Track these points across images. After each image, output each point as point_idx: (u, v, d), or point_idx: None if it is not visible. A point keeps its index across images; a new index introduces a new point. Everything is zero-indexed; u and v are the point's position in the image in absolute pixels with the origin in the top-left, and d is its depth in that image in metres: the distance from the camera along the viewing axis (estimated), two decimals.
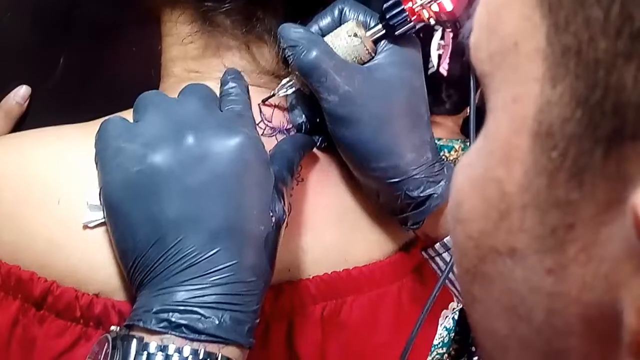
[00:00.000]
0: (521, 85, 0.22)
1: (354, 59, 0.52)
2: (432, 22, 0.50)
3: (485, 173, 0.24)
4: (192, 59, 0.54)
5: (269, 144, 0.50)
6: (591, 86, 0.19)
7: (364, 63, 0.52)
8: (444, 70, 1.53)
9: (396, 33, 0.51)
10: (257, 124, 0.52)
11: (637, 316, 0.18)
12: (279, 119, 0.56)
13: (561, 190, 0.21)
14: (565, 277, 0.21)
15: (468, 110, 1.74)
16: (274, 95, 0.54)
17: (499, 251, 0.24)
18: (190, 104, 0.47)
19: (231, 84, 0.50)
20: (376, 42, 0.52)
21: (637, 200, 0.18)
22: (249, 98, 0.50)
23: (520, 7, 0.22)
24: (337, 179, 0.58)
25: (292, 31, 0.51)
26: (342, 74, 0.50)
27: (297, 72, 0.52)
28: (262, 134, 0.53)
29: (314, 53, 0.49)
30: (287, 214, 0.47)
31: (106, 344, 0.41)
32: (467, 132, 1.74)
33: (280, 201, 0.46)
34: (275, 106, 0.56)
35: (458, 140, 1.69)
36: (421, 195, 0.52)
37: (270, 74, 0.55)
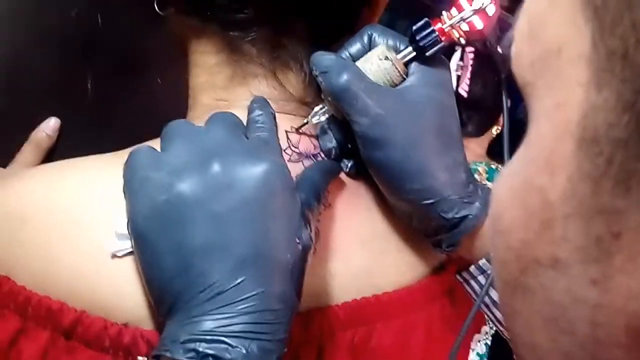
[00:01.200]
0: (564, 91, 0.21)
1: (386, 82, 0.52)
2: (463, 41, 0.50)
3: (527, 182, 0.24)
4: (220, 88, 0.55)
5: (296, 170, 0.50)
6: (638, 91, 0.19)
7: (396, 86, 0.52)
8: (463, 91, 1.52)
9: (427, 54, 0.51)
10: (284, 150, 0.52)
11: None
12: (306, 145, 0.56)
13: (606, 198, 0.20)
14: (610, 288, 0.21)
15: (493, 132, 1.74)
16: (307, 123, 0.54)
17: (540, 262, 0.23)
18: (216, 132, 0.47)
19: (258, 112, 0.50)
20: (407, 64, 0.52)
21: None
22: (276, 125, 0.50)
23: (563, 12, 0.22)
24: (365, 202, 0.57)
25: (323, 58, 0.51)
26: (374, 96, 0.50)
27: (329, 98, 0.52)
28: (288, 160, 0.53)
29: (344, 77, 0.50)
30: (313, 241, 0.47)
31: None
32: (493, 154, 1.73)
33: (306, 228, 0.46)
34: (302, 132, 0.56)
35: (482, 163, 1.68)
36: (455, 216, 0.52)
37: (296, 100, 0.55)
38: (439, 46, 0.50)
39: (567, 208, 0.21)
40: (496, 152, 1.74)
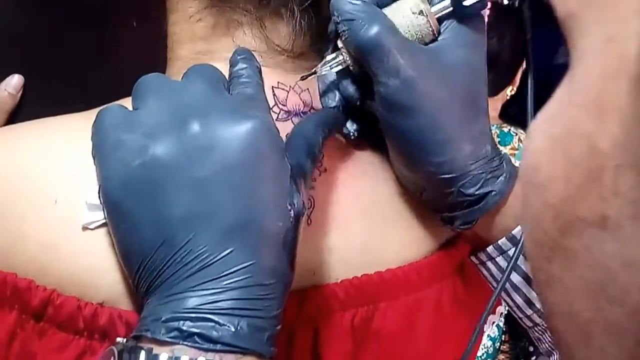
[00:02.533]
0: (618, 22, 0.21)
1: (416, 40, 0.51)
2: (506, 1, 0.49)
3: (570, 128, 0.23)
4: (201, 39, 0.54)
5: (285, 129, 0.50)
6: None
7: (426, 44, 0.51)
8: None
9: (467, 12, 0.50)
10: (271, 108, 0.51)
11: None
12: (294, 102, 0.55)
13: None
14: None
15: (508, 93, 1.73)
16: (315, 72, 0.53)
17: (586, 220, 0.23)
18: (195, 88, 0.46)
19: (241, 65, 0.50)
20: (440, 20, 0.51)
21: None
22: (262, 79, 0.50)
23: None
24: (366, 168, 0.57)
25: (348, 2, 0.50)
26: (406, 55, 0.49)
27: (351, 50, 0.51)
28: (276, 119, 0.53)
29: (375, 28, 0.48)
30: (306, 208, 0.47)
31: (112, 358, 0.41)
32: (507, 116, 1.73)
33: (299, 193, 0.46)
34: (290, 88, 0.55)
35: (494, 125, 1.67)
36: (477, 193, 0.52)
37: (285, 53, 0.55)
38: (480, 3, 0.49)
39: (619, 157, 0.21)
40: (510, 115, 1.73)
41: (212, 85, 0.47)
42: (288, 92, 0.55)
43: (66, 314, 0.46)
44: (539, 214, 0.25)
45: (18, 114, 0.71)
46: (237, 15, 0.53)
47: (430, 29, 0.50)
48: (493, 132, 1.62)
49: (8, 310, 0.46)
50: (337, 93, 0.55)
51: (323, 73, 0.53)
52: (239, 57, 0.50)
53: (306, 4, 0.53)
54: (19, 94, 0.70)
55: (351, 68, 0.52)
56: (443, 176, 0.51)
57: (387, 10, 0.51)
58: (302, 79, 0.53)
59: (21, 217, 0.47)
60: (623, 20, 0.21)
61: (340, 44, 0.52)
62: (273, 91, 0.54)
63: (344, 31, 0.50)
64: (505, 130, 1.67)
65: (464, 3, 0.50)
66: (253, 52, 0.52)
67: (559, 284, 0.25)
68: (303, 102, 0.56)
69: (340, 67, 0.52)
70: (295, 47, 0.54)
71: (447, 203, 0.53)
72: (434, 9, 0.51)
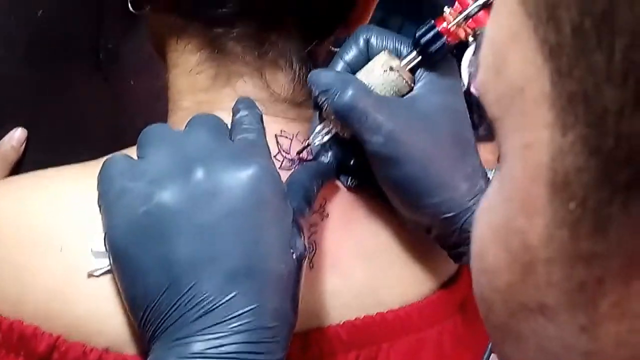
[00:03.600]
0: (532, 132, 0.22)
1: (393, 94, 0.53)
2: (470, 39, 0.51)
3: (507, 222, 0.24)
4: (202, 90, 0.56)
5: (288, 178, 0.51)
6: (602, 134, 0.19)
7: (403, 95, 0.53)
8: (475, 89, 1.53)
9: (435, 59, 0.52)
10: (274, 157, 0.53)
11: None
12: (297, 149, 0.56)
13: (585, 243, 0.21)
14: (599, 335, 0.21)
15: None
16: (309, 145, 0.55)
17: (528, 307, 0.24)
18: (198, 136, 0.48)
19: (243, 112, 0.51)
20: (413, 70, 0.53)
21: None
22: (263, 127, 0.51)
23: (523, 50, 0.22)
24: (365, 212, 0.58)
25: (322, 75, 0.52)
26: (383, 111, 0.51)
27: (332, 117, 0.53)
28: (279, 167, 0.54)
29: (349, 93, 0.51)
30: (307, 251, 0.48)
31: None
32: None
33: (300, 236, 0.47)
34: (293, 137, 0.57)
35: (493, 170, 1.68)
36: None
37: (286, 102, 0.56)
38: (446, 48, 0.51)
39: (548, 252, 0.22)
40: None
41: (215, 134, 0.48)
42: (291, 141, 0.56)
43: (72, 359, 0.47)
44: (489, 298, 0.26)
45: (21, 165, 0.72)
46: (237, 67, 0.55)
47: (404, 81, 0.52)
48: (492, 177, 1.65)
49: (14, 357, 0.47)
50: (329, 154, 0.56)
51: (316, 145, 0.55)
52: (240, 106, 0.52)
53: (304, 54, 0.55)
54: (22, 147, 0.72)
55: (341, 134, 0.54)
56: (444, 216, 0.52)
57: (360, 74, 0.53)
58: (298, 153, 0.55)
59: (27, 265, 0.48)
60: (536, 130, 0.22)
61: (325, 115, 0.54)
62: (276, 139, 0.55)
63: (322, 102, 0.52)
64: None
65: (428, 50, 0.51)
66: (255, 101, 0.53)
67: None
68: (307, 151, 0.57)
69: (330, 135, 0.54)
70: (295, 96, 0.56)
71: (453, 240, 0.54)
72: (403, 62, 0.52)
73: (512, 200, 0.24)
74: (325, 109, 0.53)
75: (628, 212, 0.19)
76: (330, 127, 0.54)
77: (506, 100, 0.24)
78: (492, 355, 0.64)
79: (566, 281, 0.22)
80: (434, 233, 0.55)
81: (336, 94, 0.51)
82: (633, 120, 0.18)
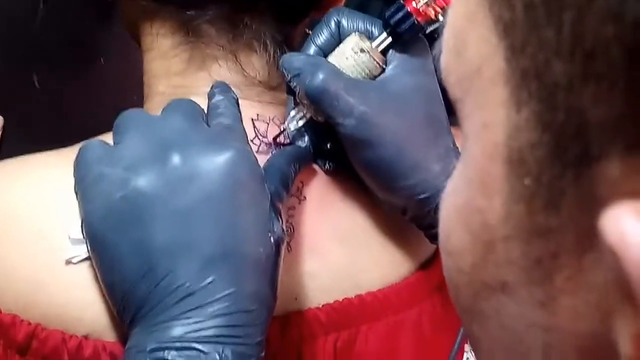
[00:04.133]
0: (489, 111, 0.23)
1: (365, 76, 0.53)
2: (441, 18, 0.51)
3: (468, 202, 0.25)
4: (177, 74, 0.56)
5: (265, 161, 0.51)
6: (553, 109, 0.20)
7: (375, 77, 0.54)
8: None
9: (405, 38, 0.52)
10: (251, 141, 0.53)
11: (633, 345, 0.19)
12: (274, 133, 0.57)
13: (540, 218, 0.21)
14: (556, 309, 0.22)
15: None
16: (284, 131, 0.56)
17: (490, 286, 0.24)
18: (174, 121, 0.48)
19: (218, 97, 0.51)
20: (384, 52, 0.53)
21: (605, 223, 0.19)
22: (240, 111, 0.51)
23: (479, 30, 0.23)
24: (342, 195, 0.58)
25: (293, 59, 0.53)
26: (356, 93, 0.51)
27: (305, 101, 0.53)
28: (257, 152, 0.54)
29: (320, 76, 0.51)
30: (285, 234, 0.48)
31: None
32: None
33: (278, 220, 0.47)
34: (270, 120, 0.57)
35: None
36: None
37: (261, 85, 0.56)
38: (415, 28, 0.51)
39: (506, 230, 0.23)
40: None
41: (191, 118, 0.48)
42: (268, 125, 0.57)
43: (51, 347, 0.47)
44: (455, 279, 0.27)
45: None
46: (211, 50, 0.55)
47: (375, 63, 0.53)
48: None
49: None
50: (306, 138, 0.57)
51: (292, 130, 0.55)
52: (215, 90, 0.52)
53: (278, 37, 0.55)
54: None
55: (315, 118, 0.54)
56: (418, 197, 0.53)
57: (331, 57, 0.53)
58: (274, 139, 0.56)
59: (6, 254, 0.47)
60: (492, 109, 0.22)
61: (298, 99, 0.54)
62: (253, 123, 0.56)
63: (295, 86, 0.52)
64: None
65: (398, 30, 0.52)
66: (230, 85, 0.53)
67: (481, 343, 0.27)
68: (283, 136, 0.57)
69: (305, 120, 0.55)
70: (271, 79, 0.56)
71: (428, 221, 0.55)
72: (374, 43, 0.53)
73: (472, 181, 0.24)
74: (298, 93, 0.53)
75: (578, 187, 0.20)
76: (305, 111, 0.55)
77: (466, 81, 0.24)
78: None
79: (524, 258, 0.22)
80: (409, 214, 0.56)
81: (307, 78, 0.51)
82: (582, 93, 0.19)
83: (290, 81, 0.53)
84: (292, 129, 0.55)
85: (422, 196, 0.53)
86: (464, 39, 0.24)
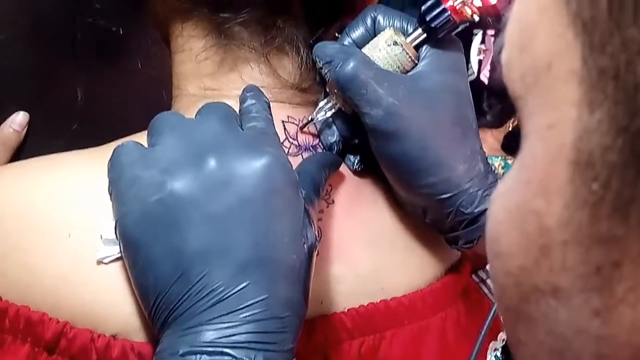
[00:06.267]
0: (557, 110, 0.22)
1: (397, 69, 0.53)
2: (476, 18, 0.51)
3: (523, 204, 0.24)
4: (208, 76, 0.56)
5: (295, 164, 0.51)
6: (631, 113, 0.19)
7: (407, 72, 0.54)
8: (484, 77, 1.53)
9: (439, 36, 0.53)
10: (282, 143, 0.53)
11: None
12: (305, 136, 0.57)
13: (604, 225, 0.21)
14: (613, 319, 0.21)
15: (510, 125, 1.76)
16: (312, 120, 0.56)
17: (541, 290, 0.24)
18: (209, 125, 0.48)
19: (250, 101, 0.51)
20: (417, 47, 0.54)
21: None
22: (271, 115, 0.51)
23: (552, 23, 0.22)
24: (370, 198, 0.59)
25: (327, 47, 0.53)
26: (385, 84, 0.51)
27: (335, 90, 0.53)
28: (287, 153, 0.54)
29: (351, 64, 0.51)
30: (318, 241, 0.48)
31: None
32: (508, 148, 1.75)
33: (311, 226, 0.47)
34: (299, 122, 0.57)
35: (498, 157, 1.69)
36: (475, 210, 0.53)
37: (292, 87, 0.57)
38: (451, 26, 0.52)
39: (565, 235, 0.22)
40: (512, 147, 1.76)
41: (226, 122, 0.48)
42: (298, 126, 0.57)
43: (79, 346, 0.47)
44: (503, 281, 0.26)
45: (22, 151, 0.72)
46: (243, 52, 0.55)
47: (408, 57, 0.53)
48: (498, 163, 1.65)
49: (21, 343, 0.47)
50: (334, 129, 0.57)
51: (319, 119, 0.56)
52: (247, 94, 0.52)
53: (310, 40, 0.56)
54: (24, 131, 0.72)
55: (343, 109, 0.55)
56: (440, 197, 0.53)
57: (365, 49, 0.54)
58: (301, 128, 0.56)
59: (35, 251, 0.48)
60: (561, 109, 0.22)
61: (328, 88, 0.55)
62: (283, 125, 0.56)
63: (325, 73, 0.53)
64: (510, 162, 1.69)
65: (432, 25, 0.52)
66: (261, 88, 0.53)
67: (524, 347, 0.26)
68: (312, 135, 0.57)
69: (333, 111, 0.55)
70: (302, 82, 0.57)
71: (449, 223, 0.55)
72: (409, 38, 0.53)
73: (530, 182, 0.24)
74: (329, 80, 0.53)
75: None
76: (334, 101, 0.55)
77: (531, 77, 0.24)
78: (492, 343, 0.65)
79: (582, 264, 0.22)
80: (429, 216, 0.56)
81: (338, 65, 0.52)
82: None
83: (321, 68, 0.53)
84: (320, 118, 0.56)
85: (444, 196, 0.53)
86: (532, 33, 0.23)
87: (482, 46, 1.59)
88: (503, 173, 1.62)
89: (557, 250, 0.23)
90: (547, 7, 0.23)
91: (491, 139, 1.74)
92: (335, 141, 0.57)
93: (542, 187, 0.23)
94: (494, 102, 1.69)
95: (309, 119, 0.56)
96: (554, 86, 0.22)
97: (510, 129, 1.75)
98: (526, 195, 0.24)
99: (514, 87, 0.25)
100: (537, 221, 0.23)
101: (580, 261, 0.22)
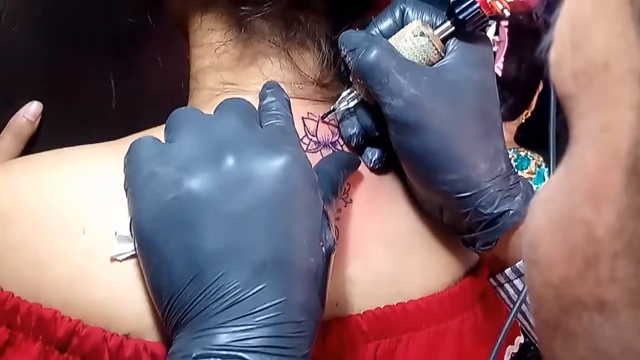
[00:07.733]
0: (612, 113, 0.21)
1: (422, 61, 0.52)
2: (507, 13, 0.50)
3: (570, 212, 0.23)
4: (226, 70, 0.55)
5: (314, 160, 0.50)
6: None
7: (433, 64, 0.53)
8: (498, 69, 1.53)
9: (468, 29, 0.52)
10: (301, 139, 0.52)
11: None
12: (324, 132, 0.56)
13: None
14: None
15: (523, 117, 1.76)
16: (334, 110, 0.55)
17: (584, 303, 0.23)
18: (228, 121, 0.47)
19: (270, 98, 0.51)
20: (445, 40, 0.53)
21: None
22: (291, 112, 0.51)
23: (610, 21, 0.21)
24: (389, 197, 0.58)
25: (352, 35, 0.53)
26: (407, 74, 0.50)
27: (358, 78, 0.52)
28: (306, 150, 0.53)
29: (374, 52, 0.50)
30: (336, 244, 0.47)
31: None
32: (519, 140, 1.74)
33: (329, 228, 0.46)
34: (319, 118, 0.56)
35: (511, 150, 1.69)
36: (495, 211, 0.52)
37: (313, 83, 0.56)
38: (480, 20, 0.51)
39: (616, 246, 0.21)
40: (524, 138, 1.75)
41: (245, 119, 0.48)
42: (318, 123, 0.56)
43: (91, 345, 0.46)
44: (541, 292, 0.25)
45: (35, 142, 0.72)
46: (264, 47, 0.54)
47: (434, 49, 0.52)
48: (510, 156, 1.65)
49: (32, 341, 0.46)
50: (355, 120, 0.56)
51: (342, 109, 0.55)
52: (268, 91, 0.51)
53: (332, 36, 0.55)
54: (37, 121, 0.71)
55: (366, 99, 0.54)
56: (459, 195, 0.52)
57: (392, 39, 0.53)
58: (322, 117, 0.55)
59: (48, 248, 0.47)
60: (617, 111, 0.21)
61: (351, 78, 0.54)
62: (303, 122, 0.55)
63: (349, 61, 0.52)
64: (522, 154, 1.69)
65: (460, 17, 0.51)
66: (281, 83, 0.53)
67: None
68: (332, 132, 0.57)
69: (355, 101, 0.54)
70: (323, 77, 0.56)
71: (466, 224, 0.54)
72: (437, 30, 0.52)
73: (578, 188, 0.23)
74: (351, 69, 0.52)
75: None
76: (357, 92, 0.54)
77: (584, 76, 0.23)
78: (508, 347, 0.65)
79: (632, 278, 0.21)
80: (446, 216, 0.55)
81: (361, 52, 0.51)
82: None
83: (345, 56, 0.53)
84: (342, 108, 0.55)
85: (462, 194, 0.52)
86: (587, 30, 0.23)
87: (496, 37, 1.58)
88: (515, 166, 1.61)
89: (606, 261, 0.22)
90: (605, 3, 0.22)
91: (504, 132, 1.73)
92: (355, 133, 0.56)
93: (592, 194, 0.22)
94: (507, 95, 1.68)
95: (331, 108, 0.55)
96: (611, 87, 0.21)
97: (523, 121, 1.75)
98: (573, 203, 0.23)
99: (564, 87, 0.24)
100: (585, 230, 0.22)
101: (630, 274, 0.21)
